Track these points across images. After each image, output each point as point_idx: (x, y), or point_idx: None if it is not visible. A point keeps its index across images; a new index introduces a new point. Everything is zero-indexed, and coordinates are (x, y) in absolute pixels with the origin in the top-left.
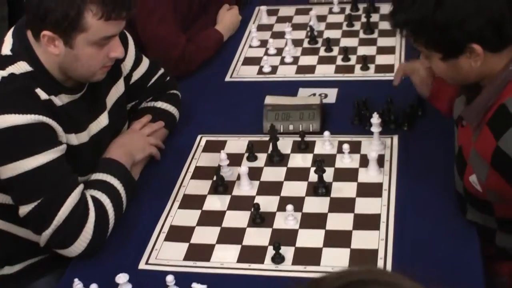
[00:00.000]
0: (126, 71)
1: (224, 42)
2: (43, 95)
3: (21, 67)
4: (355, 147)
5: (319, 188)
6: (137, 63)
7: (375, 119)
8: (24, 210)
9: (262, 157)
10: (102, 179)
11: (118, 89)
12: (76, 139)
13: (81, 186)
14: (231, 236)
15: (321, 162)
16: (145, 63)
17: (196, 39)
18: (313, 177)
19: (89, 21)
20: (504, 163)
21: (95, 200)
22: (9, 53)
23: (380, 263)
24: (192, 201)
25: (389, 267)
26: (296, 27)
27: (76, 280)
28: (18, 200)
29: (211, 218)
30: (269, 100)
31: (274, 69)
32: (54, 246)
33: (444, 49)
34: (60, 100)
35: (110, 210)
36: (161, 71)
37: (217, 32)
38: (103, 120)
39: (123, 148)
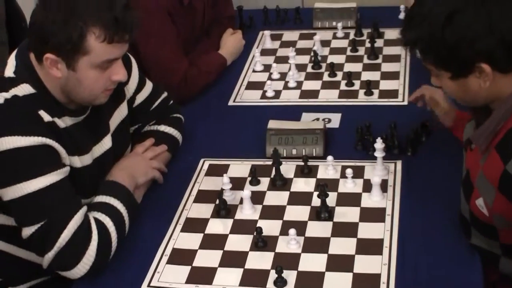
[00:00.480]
0: (130, 94)
1: (227, 66)
2: (46, 117)
3: (24, 89)
4: (358, 172)
5: (322, 213)
6: (140, 86)
7: (379, 144)
8: (26, 232)
9: (265, 181)
10: (105, 202)
11: (121, 112)
12: (79, 161)
13: (84, 208)
14: (233, 259)
15: (324, 186)
16: (149, 86)
17: (199, 63)
18: (316, 201)
19: (91, 44)
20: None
21: (98, 223)
22: (12, 75)
23: None
24: (194, 225)
25: None
26: (300, 51)
27: None
28: (20, 222)
29: (214, 242)
30: (272, 124)
31: (277, 94)
32: (56, 268)
33: (453, 68)
34: (63, 122)
35: (113, 232)
36: (164, 94)
37: (221, 57)
38: (106, 142)
39: (126, 171)
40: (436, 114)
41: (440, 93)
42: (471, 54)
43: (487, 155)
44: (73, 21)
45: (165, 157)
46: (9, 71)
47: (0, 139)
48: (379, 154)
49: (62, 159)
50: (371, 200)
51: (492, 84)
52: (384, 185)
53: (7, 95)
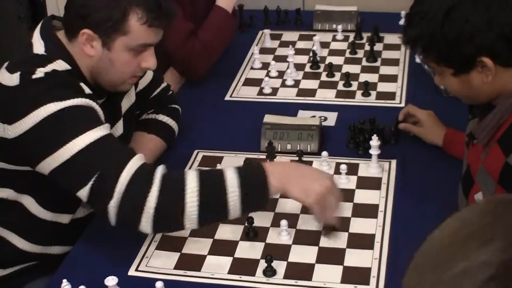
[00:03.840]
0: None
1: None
2: (87, 89)
3: (60, 65)
4: (352, 169)
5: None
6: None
7: (374, 141)
8: (83, 193)
9: None
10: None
11: (129, 99)
12: None
13: (140, 155)
14: (223, 248)
15: None
16: (149, 74)
17: (206, 26)
18: None
19: (132, 24)
20: None
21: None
22: (43, 53)
23: (372, 281)
24: None
25: (381, 285)
26: (298, 51)
27: (65, 281)
28: (74, 184)
29: (204, 230)
30: (268, 119)
31: (274, 91)
32: (124, 222)
33: (455, 64)
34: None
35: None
36: (164, 84)
37: (221, 9)
38: (118, 129)
39: None
40: (422, 136)
41: (424, 113)
42: (471, 49)
43: (489, 149)
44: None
45: (160, 147)
46: (39, 49)
47: (45, 106)
48: (374, 151)
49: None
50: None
51: (495, 79)
52: (378, 183)
53: (46, 69)
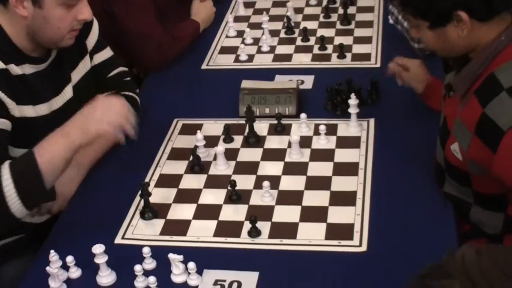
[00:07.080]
0: (90, 48)
1: (199, 33)
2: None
3: None
4: (331, 129)
5: None
6: (100, 46)
7: (353, 100)
8: None
9: (238, 139)
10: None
11: (85, 65)
12: (33, 111)
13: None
14: (207, 212)
15: None
16: (108, 51)
17: (172, 30)
18: (289, 157)
19: None
20: (488, 128)
21: None
22: None
23: (356, 236)
24: (168, 180)
25: (365, 240)
26: (273, 18)
27: (52, 252)
28: None
29: (188, 196)
30: (246, 84)
31: (250, 58)
32: None
33: (431, 17)
34: (21, 69)
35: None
36: (123, 68)
37: (194, 22)
38: (67, 93)
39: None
40: (404, 80)
41: (415, 62)
42: (448, 3)
43: (466, 100)
44: None
45: None
46: None
47: None
48: (353, 110)
49: (4, 109)
50: (290, 158)
51: (471, 33)
52: (357, 142)
53: None
